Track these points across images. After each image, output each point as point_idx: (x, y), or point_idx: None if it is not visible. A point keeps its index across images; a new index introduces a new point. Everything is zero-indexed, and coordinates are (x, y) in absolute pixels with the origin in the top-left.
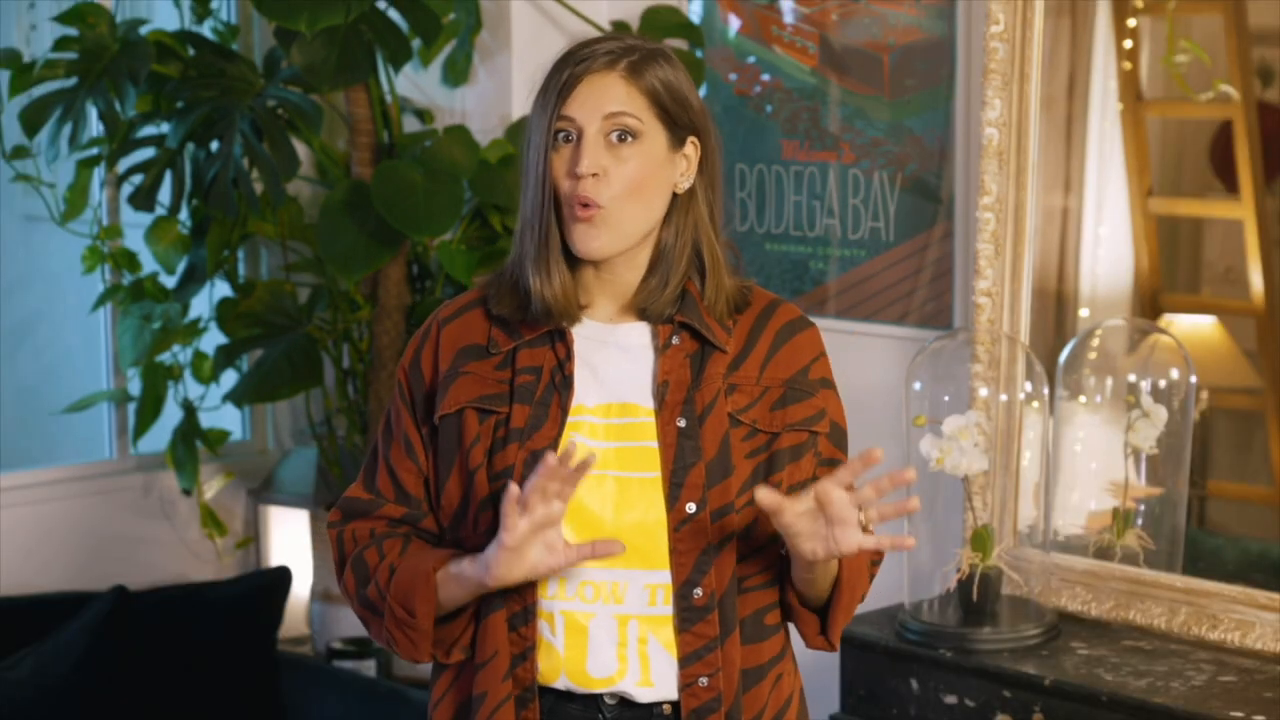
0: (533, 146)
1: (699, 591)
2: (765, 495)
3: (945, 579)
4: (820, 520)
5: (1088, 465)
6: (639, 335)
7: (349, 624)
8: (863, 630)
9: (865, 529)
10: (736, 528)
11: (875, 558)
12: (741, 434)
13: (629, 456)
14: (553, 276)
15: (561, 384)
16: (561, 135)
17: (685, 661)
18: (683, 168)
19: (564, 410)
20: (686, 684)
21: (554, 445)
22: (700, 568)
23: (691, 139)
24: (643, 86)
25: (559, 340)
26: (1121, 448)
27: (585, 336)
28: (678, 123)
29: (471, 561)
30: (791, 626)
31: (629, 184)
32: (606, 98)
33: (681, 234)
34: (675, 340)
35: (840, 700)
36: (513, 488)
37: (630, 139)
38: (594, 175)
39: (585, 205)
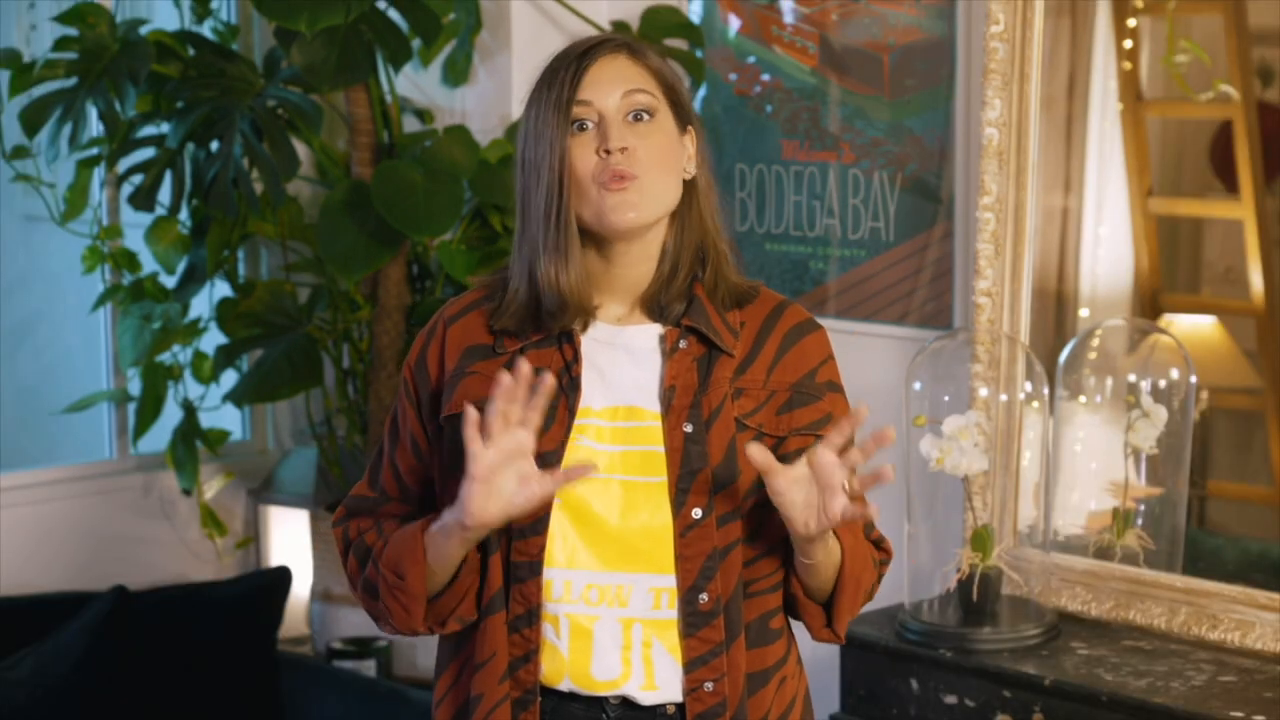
0: (542, 140)
1: (705, 596)
2: (756, 451)
3: (945, 579)
4: (813, 490)
5: (1088, 465)
6: (646, 338)
7: (349, 624)
8: (863, 630)
9: (854, 499)
10: (743, 532)
11: (882, 556)
12: (748, 438)
13: (635, 460)
14: (571, 265)
15: (569, 386)
16: (576, 124)
17: (691, 666)
18: (688, 154)
19: (571, 413)
20: (692, 689)
21: (561, 448)
22: (706, 573)
23: (690, 128)
24: (650, 67)
25: (566, 342)
26: (1121, 448)
27: (592, 339)
28: (681, 106)
29: (450, 508)
30: (797, 626)
31: (656, 157)
32: (620, 77)
33: (689, 225)
34: (683, 344)
35: (840, 700)
36: (470, 410)
37: (647, 117)
38: (623, 150)
39: (620, 177)
